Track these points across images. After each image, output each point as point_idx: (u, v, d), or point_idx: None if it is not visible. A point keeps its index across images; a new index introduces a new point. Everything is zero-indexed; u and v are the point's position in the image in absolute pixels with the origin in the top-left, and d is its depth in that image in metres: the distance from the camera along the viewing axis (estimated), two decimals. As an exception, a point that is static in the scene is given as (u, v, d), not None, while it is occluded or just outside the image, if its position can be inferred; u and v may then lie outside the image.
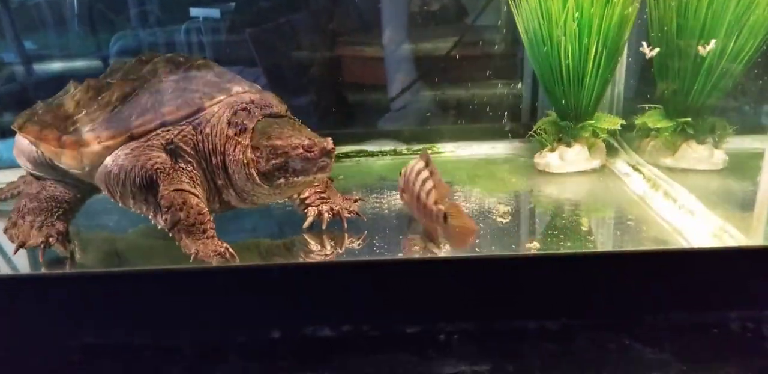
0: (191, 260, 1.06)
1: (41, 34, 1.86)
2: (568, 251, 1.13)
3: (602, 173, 1.53)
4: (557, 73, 1.46)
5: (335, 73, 1.94)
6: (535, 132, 1.58)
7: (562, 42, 1.40)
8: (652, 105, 1.53)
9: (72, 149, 1.15)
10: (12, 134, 1.28)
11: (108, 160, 1.14)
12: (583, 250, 1.14)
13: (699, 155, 1.46)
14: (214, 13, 1.86)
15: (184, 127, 1.14)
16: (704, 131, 1.46)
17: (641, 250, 1.12)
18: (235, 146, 1.10)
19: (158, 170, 1.10)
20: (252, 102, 1.16)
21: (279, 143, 1.08)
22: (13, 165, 1.38)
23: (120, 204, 1.18)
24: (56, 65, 1.88)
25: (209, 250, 1.06)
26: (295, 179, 1.10)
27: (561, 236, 1.20)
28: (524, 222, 1.31)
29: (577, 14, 1.38)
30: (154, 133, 1.13)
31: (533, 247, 1.16)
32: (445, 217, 1.04)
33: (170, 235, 1.10)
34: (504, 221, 1.29)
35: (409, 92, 1.93)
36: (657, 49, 1.43)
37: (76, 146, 1.15)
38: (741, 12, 1.33)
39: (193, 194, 1.10)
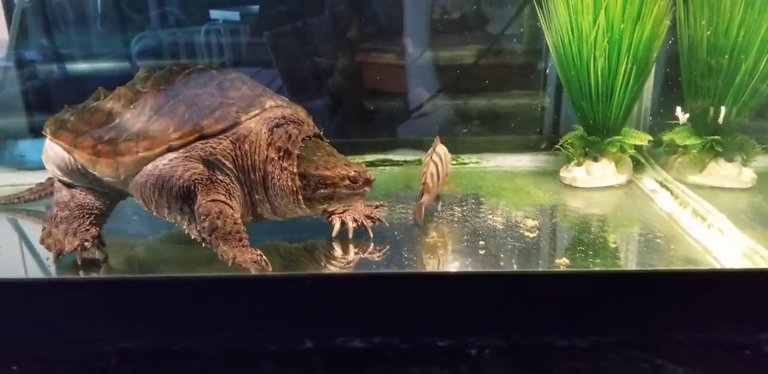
0: (230, 265, 1.08)
1: (64, 33, 1.89)
2: (598, 269, 1.14)
3: (629, 188, 1.53)
4: (586, 89, 1.47)
5: (354, 79, 1.95)
6: (561, 146, 1.58)
7: (592, 59, 1.41)
8: (679, 122, 1.54)
9: (108, 158, 1.17)
10: (37, 134, 1.29)
11: (146, 169, 1.15)
12: (614, 268, 1.14)
13: (727, 173, 1.46)
14: (234, 15, 1.90)
15: (222, 140, 1.16)
16: (733, 149, 1.46)
17: (673, 270, 1.12)
18: (281, 171, 1.14)
19: (196, 181, 1.12)
20: (284, 117, 1.19)
21: (328, 173, 1.14)
22: (40, 166, 1.37)
23: (154, 213, 1.19)
24: (78, 63, 1.91)
25: (246, 257, 1.08)
26: (337, 204, 1.20)
27: (590, 252, 1.21)
28: (552, 237, 1.31)
29: (607, 33, 1.39)
30: (193, 145, 1.15)
31: (562, 263, 1.16)
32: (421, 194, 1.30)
33: (205, 244, 1.12)
34: (532, 235, 1.30)
35: (431, 101, 1.94)
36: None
37: (112, 154, 1.16)
38: None
39: (229, 205, 1.12)
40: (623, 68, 1.40)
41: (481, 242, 1.26)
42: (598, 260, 1.18)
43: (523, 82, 1.88)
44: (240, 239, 1.09)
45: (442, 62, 1.92)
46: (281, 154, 1.14)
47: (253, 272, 1.08)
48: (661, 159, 1.60)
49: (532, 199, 1.50)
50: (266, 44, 1.91)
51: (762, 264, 1.12)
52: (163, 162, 1.14)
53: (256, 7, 1.94)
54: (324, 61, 1.96)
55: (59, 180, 1.29)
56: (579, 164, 1.54)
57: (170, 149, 1.15)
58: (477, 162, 1.76)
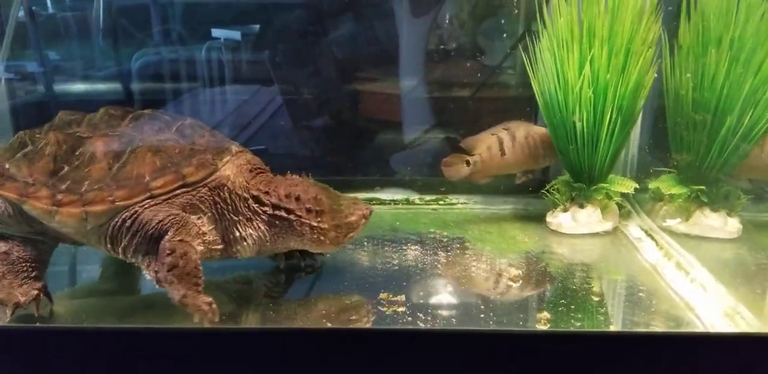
0: (176, 302, 1.08)
1: (65, 47, 1.92)
2: (577, 330, 1.13)
3: (615, 236, 1.53)
4: (572, 136, 1.48)
5: (350, 104, 1.97)
6: (547, 191, 1.58)
7: (577, 108, 1.42)
8: (665, 169, 1.54)
9: (73, 208, 1.15)
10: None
11: (122, 215, 1.15)
12: (591, 329, 1.13)
13: (713, 223, 1.46)
14: (235, 34, 1.92)
15: (201, 188, 1.18)
16: (718, 199, 1.46)
17: (650, 333, 1.12)
18: (311, 228, 1.22)
19: (172, 221, 1.14)
20: (249, 162, 1.26)
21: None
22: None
23: (110, 253, 1.19)
24: (79, 78, 1.93)
25: (197, 302, 1.08)
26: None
27: (571, 306, 1.20)
28: (534, 288, 1.30)
29: (593, 83, 1.40)
30: (173, 193, 1.16)
31: (543, 318, 1.15)
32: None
33: (158, 283, 1.12)
34: (515, 285, 1.30)
35: (423, 135, 1.94)
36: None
37: (79, 204, 1.15)
38: (758, 86, 1.34)
39: (194, 249, 1.13)
40: (608, 118, 1.41)
41: (459, 292, 1.26)
42: (579, 315, 1.17)
43: (516, 116, 1.88)
44: (196, 283, 1.10)
45: (437, 94, 1.93)
46: (309, 208, 1.21)
47: (196, 319, 1.07)
48: (647, 206, 1.60)
49: (517, 245, 1.49)
50: (267, 62, 1.93)
51: (742, 325, 1.12)
52: (143, 207, 1.15)
53: (257, 27, 1.97)
54: (323, 84, 1.98)
55: None
56: (565, 210, 1.54)
57: (151, 197, 1.16)
58: (465, 203, 1.76)
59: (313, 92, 2.00)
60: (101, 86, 1.94)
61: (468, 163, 1.56)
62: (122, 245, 1.16)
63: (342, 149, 1.98)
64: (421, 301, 1.23)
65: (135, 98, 1.93)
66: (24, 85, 1.90)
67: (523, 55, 1.50)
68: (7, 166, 1.22)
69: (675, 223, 1.50)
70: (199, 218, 1.18)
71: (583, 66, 1.38)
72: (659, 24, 1.42)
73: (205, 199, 1.19)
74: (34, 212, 1.18)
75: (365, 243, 1.48)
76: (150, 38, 1.91)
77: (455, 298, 1.26)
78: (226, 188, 1.20)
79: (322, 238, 1.23)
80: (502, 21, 1.86)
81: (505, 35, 1.87)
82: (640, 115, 1.53)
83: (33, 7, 1.81)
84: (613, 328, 1.14)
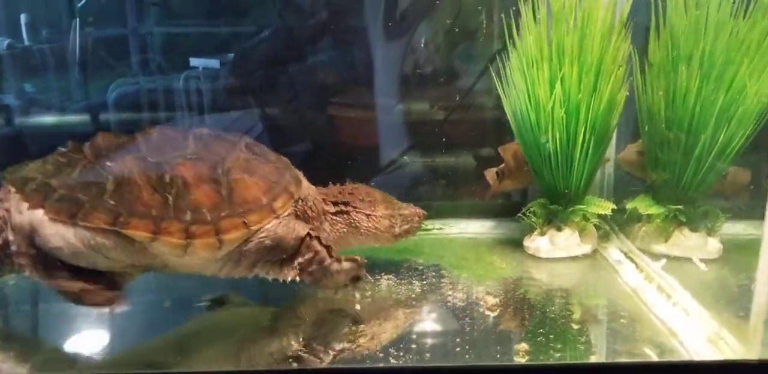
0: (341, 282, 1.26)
1: (42, 79, 1.87)
2: (556, 362, 1.07)
3: (594, 259, 1.49)
4: (545, 157, 1.44)
5: (328, 129, 1.94)
6: (524, 214, 1.54)
7: (550, 128, 1.38)
8: (642, 189, 1.50)
9: (207, 238, 1.14)
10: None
11: (261, 234, 1.20)
12: (571, 362, 1.07)
13: (693, 243, 1.41)
14: (214, 63, 1.88)
15: (299, 200, 1.29)
16: (696, 219, 1.42)
17: (631, 363, 1.06)
18: (367, 217, 1.36)
19: (310, 233, 1.25)
20: None
21: (407, 212, 1.41)
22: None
23: (226, 274, 1.24)
24: (55, 110, 1.88)
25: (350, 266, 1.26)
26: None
27: (551, 336, 1.15)
28: (512, 317, 1.24)
29: (564, 104, 1.36)
30: (289, 208, 1.25)
31: (521, 349, 1.09)
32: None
33: (302, 276, 1.24)
34: (492, 314, 1.24)
35: (400, 158, 1.91)
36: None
37: (213, 234, 1.15)
38: (730, 103, 1.31)
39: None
40: (581, 138, 1.37)
41: (434, 324, 1.21)
42: (559, 346, 1.11)
43: (490, 143, 1.84)
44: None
45: (414, 117, 1.90)
46: (362, 198, 1.36)
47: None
48: (626, 227, 1.56)
49: (494, 271, 1.44)
50: (246, 90, 1.90)
51: (726, 350, 1.07)
52: (273, 226, 1.21)
53: (235, 55, 1.92)
54: (303, 109, 1.95)
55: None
56: (542, 234, 1.50)
57: (277, 217, 1.22)
58: (440, 228, 1.71)
59: (293, 118, 1.97)
60: (78, 118, 1.89)
61: (497, 174, 1.57)
62: (250, 262, 1.22)
63: (321, 174, 1.95)
64: (394, 335, 1.17)
65: (112, 127, 1.89)
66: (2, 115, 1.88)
67: (493, 76, 1.47)
68: (108, 199, 1.13)
69: (654, 244, 1.46)
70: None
71: (553, 85, 1.35)
72: (629, 42, 1.39)
73: (299, 209, 1.29)
74: (164, 248, 1.14)
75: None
76: (127, 69, 1.88)
77: (430, 331, 1.20)
78: (309, 197, 1.31)
79: (377, 226, 1.35)
80: (478, 44, 1.84)
81: (480, 58, 1.85)
82: (615, 133, 1.50)
83: (9, 40, 1.80)
84: (594, 359, 1.08)
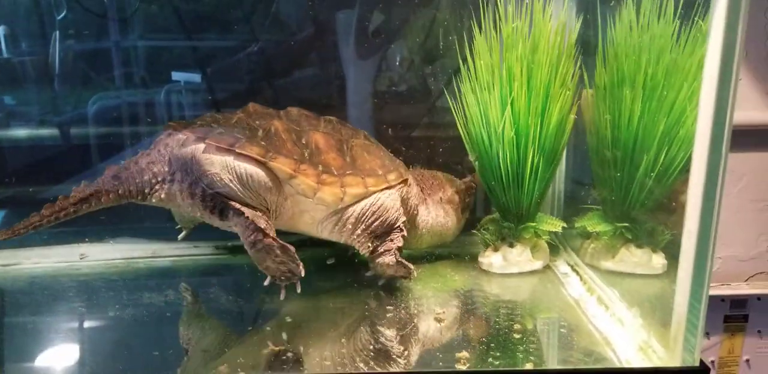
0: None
1: (22, 92, 1.92)
2: (493, 369, 1.15)
3: (544, 274, 1.57)
4: (498, 176, 1.52)
5: None
6: (478, 230, 1.62)
7: (500, 148, 1.47)
8: (591, 206, 1.59)
9: (334, 188, 1.38)
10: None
11: (371, 199, 1.43)
12: (507, 368, 1.15)
13: (638, 259, 1.50)
14: (195, 77, 1.95)
15: (405, 186, 1.50)
16: (642, 236, 1.51)
17: (563, 369, 1.15)
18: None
19: (404, 221, 1.47)
20: None
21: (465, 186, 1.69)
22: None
23: (328, 234, 1.46)
24: (34, 122, 1.94)
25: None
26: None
27: (492, 344, 1.23)
28: (458, 327, 1.32)
29: (514, 125, 1.45)
30: (398, 186, 1.47)
31: (462, 357, 1.17)
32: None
33: (371, 249, 1.45)
34: (440, 324, 1.32)
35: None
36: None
37: (338, 185, 1.38)
38: (671, 125, 1.40)
39: None
40: (531, 158, 1.46)
41: (378, 334, 1.28)
42: (498, 354, 1.19)
43: (454, 157, 1.88)
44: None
45: (388, 134, 1.97)
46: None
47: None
48: (576, 243, 1.64)
49: (446, 284, 1.52)
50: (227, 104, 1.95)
51: (654, 358, 1.15)
52: (385, 195, 1.44)
53: (217, 69, 1.98)
54: None
55: (234, 200, 1.34)
56: (495, 250, 1.58)
57: (389, 187, 1.45)
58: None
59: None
60: (57, 130, 1.94)
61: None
62: (361, 225, 1.43)
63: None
64: (335, 346, 1.24)
65: (91, 141, 1.94)
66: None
67: (448, 97, 1.56)
68: (260, 141, 1.35)
69: (602, 260, 1.53)
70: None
71: (504, 108, 1.45)
72: (578, 65, 1.49)
73: (406, 194, 1.50)
74: (300, 187, 1.36)
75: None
76: (108, 82, 1.94)
77: (374, 340, 1.27)
78: (413, 186, 1.54)
79: (450, 200, 1.63)
80: (450, 62, 1.93)
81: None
82: (564, 152, 1.59)
83: None
84: (529, 366, 1.16)
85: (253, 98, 1.87)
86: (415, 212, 1.55)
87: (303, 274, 1.35)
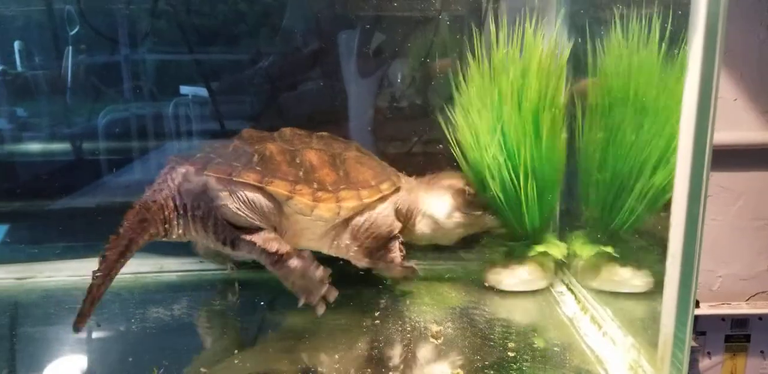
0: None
1: (34, 104, 2.00)
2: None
3: (540, 292, 1.61)
4: (499, 198, 1.57)
5: None
6: (483, 247, 1.67)
7: (493, 172, 1.53)
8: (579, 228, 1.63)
9: (330, 203, 1.45)
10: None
11: (367, 213, 1.52)
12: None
13: (620, 277, 1.51)
14: (203, 91, 2.01)
15: (399, 193, 1.58)
16: (628, 256, 1.53)
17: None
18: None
19: (396, 236, 1.55)
20: None
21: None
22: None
23: (331, 249, 1.54)
24: (46, 134, 2.01)
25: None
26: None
27: (486, 362, 1.27)
28: (454, 344, 1.36)
29: (504, 151, 1.51)
30: (390, 197, 1.56)
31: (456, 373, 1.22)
32: None
33: (373, 264, 1.55)
34: (436, 341, 1.37)
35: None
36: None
37: (334, 200, 1.45)
38: (664, 150, 1.39)
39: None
40: (524, 181, 1.50)
41: (376, 351, 1.33)
42: (491, 372, 1.24)
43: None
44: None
45: (390, 150, 2.02)
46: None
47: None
48: (568, 262, 1.68)
49: (446, 301, 1.57)
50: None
51: (643, 378, 1.20)
52: (378, 211, 1.53)
53: (226, 82, 2.04)
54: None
55: (249, 225, 1.42)
56: (504, 267, 1.61)
57: (382, 197, 1.53)
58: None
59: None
60: (68, 142, 2.00)
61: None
62: (359, 240, 1.52)
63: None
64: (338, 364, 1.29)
65: (101, 153, 2.00)
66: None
67: (441, 120, 1.62)
68: (256, 166, 1.43)
69: (589, 279, 1.57)
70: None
71: (494, 132, 1.50)
72: (568, 87, 1.54)
73: (402, 202, 1.58)
74: (298, 207, 1.43)
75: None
76: (118, 95, 2.00)
77: (371, 358, 1.31)
78: (405, 192, 1.60)
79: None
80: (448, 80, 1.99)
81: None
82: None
83: (2, 67, 1.92)
84: (518, 384, 1.20)
85: (259, 112, 1.94)
86: (412, 207, 1.62)
87: (329, 295, 1.43)
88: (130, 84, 1.99)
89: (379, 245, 1.54)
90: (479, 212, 1.63)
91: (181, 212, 1.42)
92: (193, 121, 2.03)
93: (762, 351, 1.93)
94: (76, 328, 1.24)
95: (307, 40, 2.00)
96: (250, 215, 1.42)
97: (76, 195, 1.90)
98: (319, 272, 1.42)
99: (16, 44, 1.92)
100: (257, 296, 1.61)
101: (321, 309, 1.42)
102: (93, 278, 1.29)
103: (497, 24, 1.53)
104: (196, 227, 1.43)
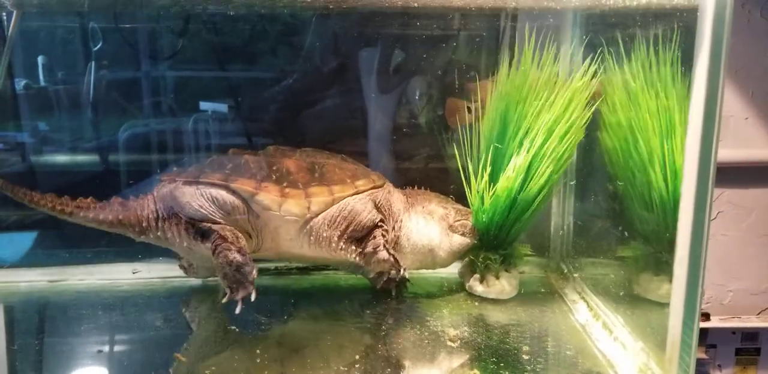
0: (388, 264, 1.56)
1: (56, 118, 2.05)
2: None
3: (554, 300, 1.70)
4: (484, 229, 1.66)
5: None
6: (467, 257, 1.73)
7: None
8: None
9: (298, 198, 1.48)
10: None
11: (339, 205, 1.52)
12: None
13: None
14: (222, 107, 2.08)
15: (382, 190, 1.61)
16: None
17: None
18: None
19: (379, 224, 1.56)
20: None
21: (460, 207, 1.70)
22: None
23: (309, 249, 1.54)
24: (67, 148, 2.09)
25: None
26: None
27: (501, 364, 1.35)
28: (471, 348, 1.44)
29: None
30: (369, 192, 1.57)
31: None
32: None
33: (360, 259, 1.56)
34: (453, 345, 1.44)
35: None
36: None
37: (303, 196, 1.49)
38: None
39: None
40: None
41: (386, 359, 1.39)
42: (507, 373, 1.32)
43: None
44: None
45: (406, 165, 2.10)
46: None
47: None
48: (583, 273, 1.77)
49: (461, 308, 1.65)
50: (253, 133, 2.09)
51: (652, 379, 1.27)
52: (354, 200, 1.54)
53: (244, 99, 2.10)
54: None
55: (204, 223, 1.49)
56: (481, 276, 1.70)
57: (357, 192, 1.55)
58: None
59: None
60: (89, 156, 2.08)
61: (468, 108, 1.74)
62: (336, 233, 1.53)
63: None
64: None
65: (122, 167, 2.07)
66: (12, 155, 2.05)
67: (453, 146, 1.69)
68: (226, 170, 1.51)
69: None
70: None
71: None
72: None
73: (384, 200, 1.61)
74: (264, 203, 1.47)
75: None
76: (139, 110, 2.06)
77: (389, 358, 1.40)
78: (393, 198, 1.64)
79: (431, 214, 1.68)
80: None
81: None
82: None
83: (26, 81, 1.99)
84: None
85: (280, 129, 2.02)
86: (399, 220, 1.64)
87: (252, 293, 1.43)
88: (150, 100, 2.07)
89: (363, 232, 1.55)
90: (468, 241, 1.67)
91: (159, 215, 1.54)
92: (212, 136, 2.08)
93: (773, 365, 2.00)
94: None
95: (326, 59, 2.09)
96: (214, 211, 1.49)
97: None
98: (254, 272, 1.44)
99: (40, 59, 1.98)
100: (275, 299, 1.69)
101: (239, 308, 1.42)
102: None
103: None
104: (171, 229, 1.52)
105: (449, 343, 1.45)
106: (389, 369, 1.33)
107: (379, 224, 1.57)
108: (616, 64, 1.54)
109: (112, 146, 2.05)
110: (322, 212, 1.51)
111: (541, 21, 1.74)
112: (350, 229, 1.54)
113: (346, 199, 1.53)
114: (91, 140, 2.08)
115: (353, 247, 1.55)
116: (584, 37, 1.71)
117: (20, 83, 1.97)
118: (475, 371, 1.32)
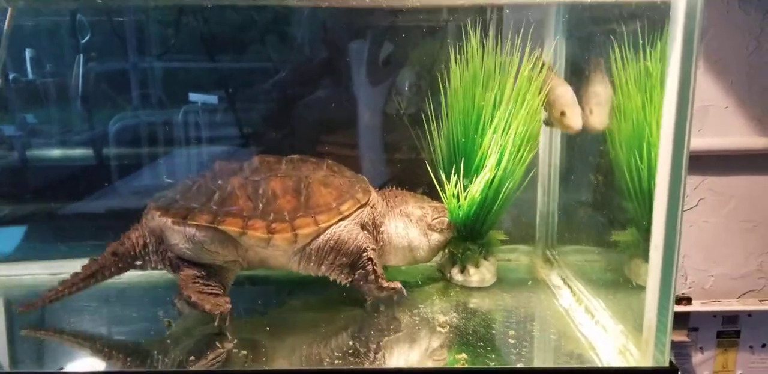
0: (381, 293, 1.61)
1: (44, 112, 2.08)
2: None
3: (538, 286, 1.79)
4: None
5: None
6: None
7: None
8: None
9: (285, 233, 1.52)
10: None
11: (326, 234, 1.57)
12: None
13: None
14: (212, 98, 2.11)
15: (367, 207, 1.64)
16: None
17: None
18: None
19: (367, 247, 1.59)
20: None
21: (437, 204, 1.74)
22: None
23: (304, 271, 1.61)
24: (56, 141, 2.12)
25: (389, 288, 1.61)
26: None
27: (488, 347, 1.44)
28: (459, 333, 1.52)
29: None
30: (355, 214, 1.60)
31: (461, 358, 1.39)
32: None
33: (353, 283, 1.61)
34: (443, 330, 1.53)
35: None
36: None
37: (289, 230, 1.52)
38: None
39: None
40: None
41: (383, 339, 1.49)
42: (494, 356, 1.40)
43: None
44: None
45: (397, 156, 2.12)
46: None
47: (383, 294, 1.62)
48: (568, 259, 1.86)
49: (449, 295, 1.73)
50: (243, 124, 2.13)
51: (630, 360, 1.36)
52: (340, 229, 1.57)
53: (234, 90, 2.14)
54: (298, 144, 2.17)
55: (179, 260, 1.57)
56: (462, 265, 1.78)
57: (342, 218, 1.58)
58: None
59: (288, 153, 2.20)
60: (79, 149, 2.12)
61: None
62: (326, 261, 1.58)
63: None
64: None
65: (111, 160, 2.11)
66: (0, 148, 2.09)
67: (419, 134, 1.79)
68: (205, 206, 1.54)
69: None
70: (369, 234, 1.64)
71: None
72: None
73: (368, 216, 1.64)
74: (252, 241, 1.53)
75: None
76: (128, 103, 2.08)
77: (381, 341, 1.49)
78: (377, 204, 1.68)
79: (409, 216, 1.72)
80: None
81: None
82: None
83: (14, 74, 2.01)
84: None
85: (271, 120, 2.07)
86: (381, 227, 1.69)
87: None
88: (139, 92, 2.09)
89: (351, 260, 1.59)
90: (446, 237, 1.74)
91: (151, 248, 1.60)
92: (202, 128, 2.12)
93: (751, 346, 2.09)
94: (22, 310, 1.56)
95: (316, 50, 2.13)
96: (200, 252, 1.55)
97: (84, 200, 2.03)
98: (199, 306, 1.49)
99: (28, 52, 2.00)
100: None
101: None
102: (56, 290, 1.58)
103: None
104: (164, 262, 1.59)
105: (439, 329, 1.53)
106: (382, 353, 1.42)
107: (366, 249, 1.59)
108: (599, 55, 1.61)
109: (102, 138, 2.08)
110: (310, 242, 1.57)
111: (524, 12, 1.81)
112: (337, 257, 1.59)
113: (331, 228, 1.57)
114: (81, 132, 2.11)
115: (344, 274, 1.60)
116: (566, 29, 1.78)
117: (8, 77, 2.00)
118: (463, 355, 1.40)
